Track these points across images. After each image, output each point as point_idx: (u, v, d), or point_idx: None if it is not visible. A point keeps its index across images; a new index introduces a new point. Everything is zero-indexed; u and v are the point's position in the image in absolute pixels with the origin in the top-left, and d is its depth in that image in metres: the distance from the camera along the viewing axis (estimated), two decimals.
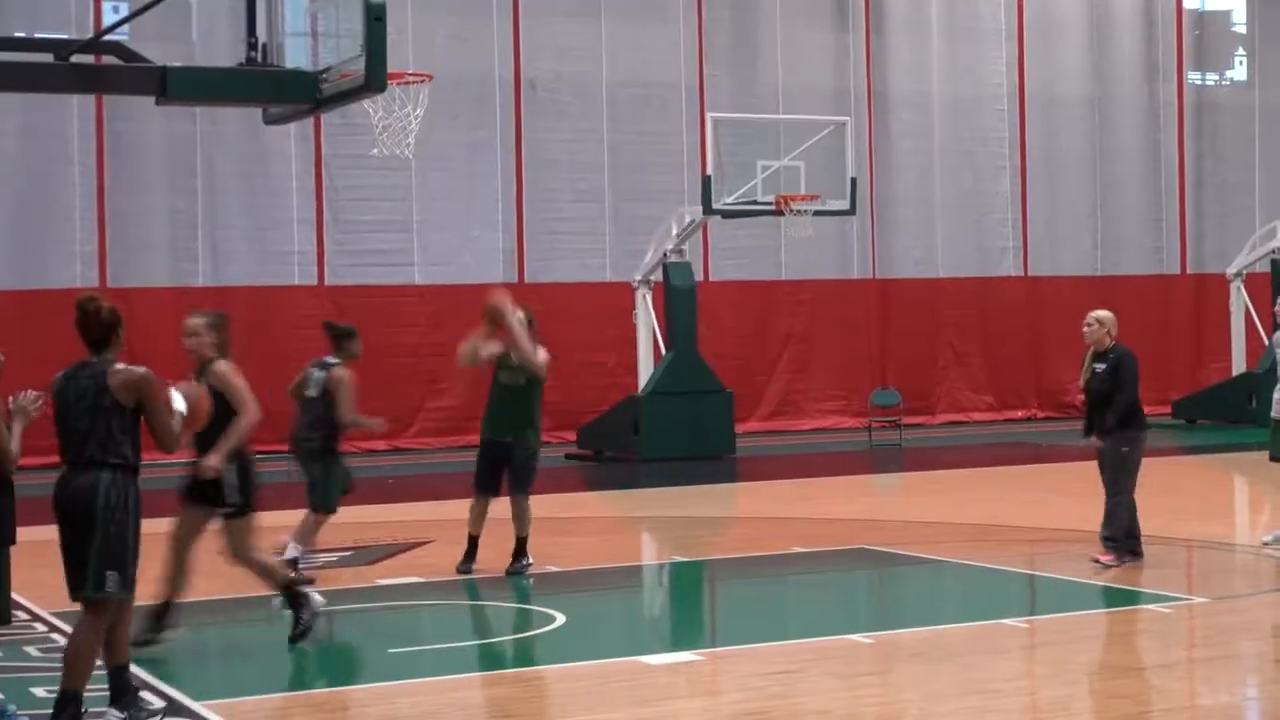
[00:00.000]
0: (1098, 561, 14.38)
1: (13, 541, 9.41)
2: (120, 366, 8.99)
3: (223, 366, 12.04)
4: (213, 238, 28.20)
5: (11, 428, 9.23)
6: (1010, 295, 33.91)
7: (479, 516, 14.73)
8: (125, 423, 8.95)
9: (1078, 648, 11.27)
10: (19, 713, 9.36)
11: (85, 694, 8.97)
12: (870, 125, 32.57)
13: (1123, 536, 14.53)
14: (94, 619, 8.91)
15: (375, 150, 20.98)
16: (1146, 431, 14.86)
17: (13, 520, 9.38)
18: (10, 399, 9.25)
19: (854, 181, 27.00)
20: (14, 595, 13.51)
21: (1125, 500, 14.54)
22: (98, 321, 9.05)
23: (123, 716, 9.25)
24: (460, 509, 15.39)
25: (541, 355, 14.74)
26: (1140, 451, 14.71)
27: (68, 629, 12.04)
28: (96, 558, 8.76)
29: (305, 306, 28.55)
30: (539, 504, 15.22)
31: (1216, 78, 36.89)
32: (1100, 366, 14.79)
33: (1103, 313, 15.03)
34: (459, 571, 14.54)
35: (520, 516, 14.69)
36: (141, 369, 9.00)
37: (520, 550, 14.74)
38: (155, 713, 9.37)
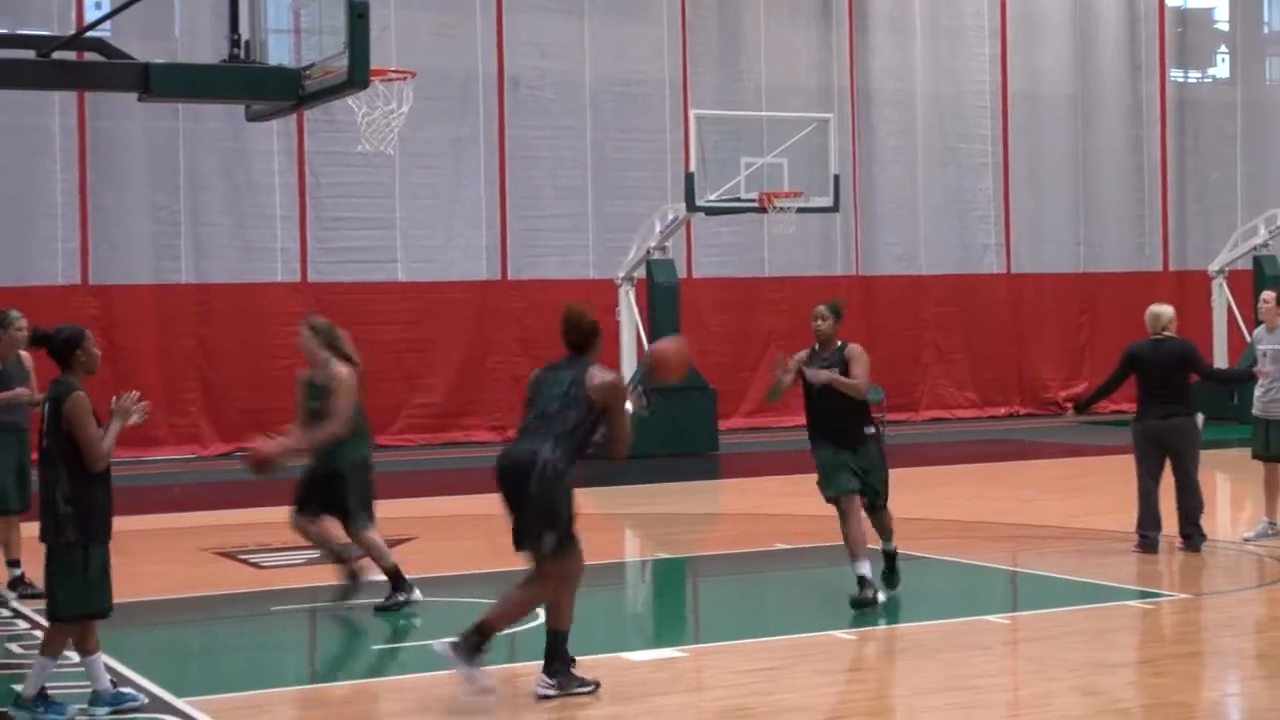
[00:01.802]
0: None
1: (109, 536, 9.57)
2: (597, 370, 10.19)
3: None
4: (195, 234, 28.14)
5: (109, 428, 9.49)
6: (993, 292, 33.95)
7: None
8: (583, 417, 10.16)
9: (1060, 644, 11.28)
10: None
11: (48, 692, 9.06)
12: (853, 122, 32.58)
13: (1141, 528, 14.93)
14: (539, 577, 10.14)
15: (359, 147, 20.98)
16: (1137, 424, 15.06)
17: (109, 516, 9.52)
18: (114, 399, 9.52)
19: (837, 179, 27.02)
20: (1, 590, 13.54)
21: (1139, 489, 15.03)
22: (579, 328, 10.33)
23: (552, 683, 9.98)
24: (443, 506, 15.37)
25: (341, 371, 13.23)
26: (1135, 441, 15.06)
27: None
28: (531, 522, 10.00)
29: (287, 303, 28.51)
30: None
31: (1199, 75, 36.95)
32: None
33: (1153, 307, 15.36)
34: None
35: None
36: (612, 375, 10.29)
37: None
38: (588, 685, 10.03)
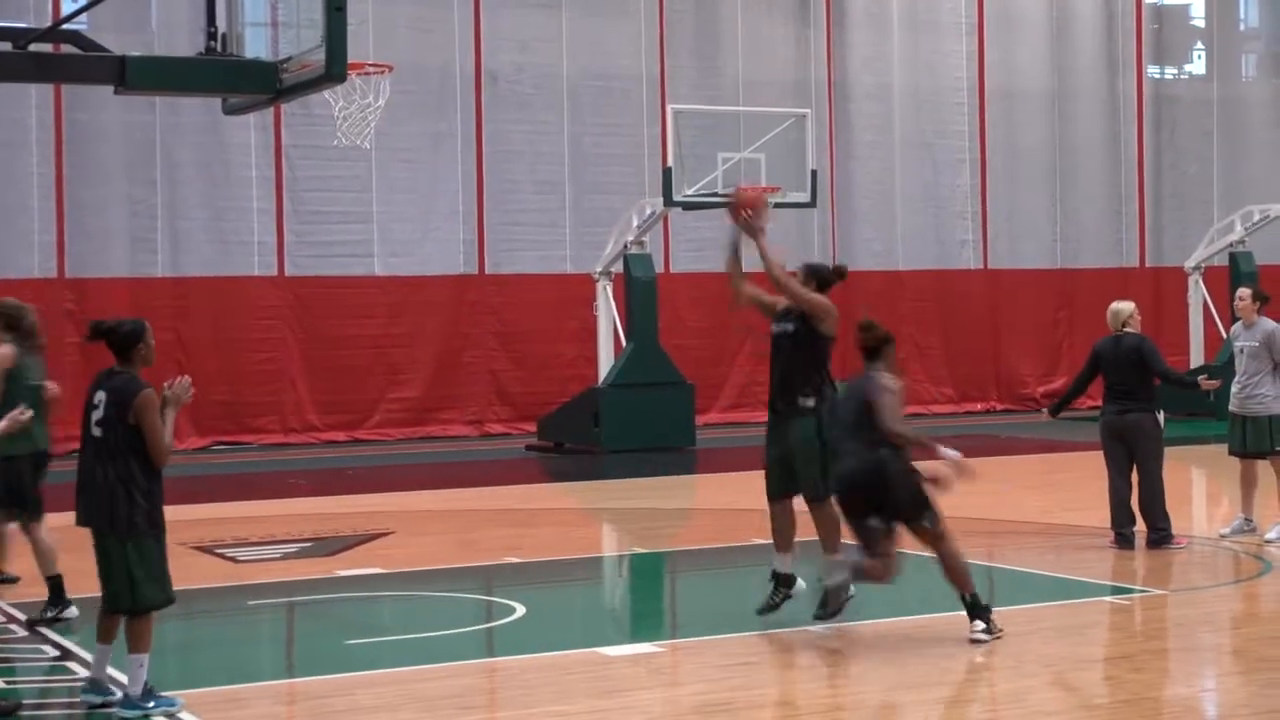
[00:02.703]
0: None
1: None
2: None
3: None
4: (172, 228, 28.09)
5: (165, 418, 9.55)
6: (970, 288, 34.00)
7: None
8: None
9: (1037, 639, 11.30)
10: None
11: None
12: (831, 118, 32.60)
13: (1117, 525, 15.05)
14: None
15: (335, 141, 20.95)
16: (1100, 420, 15.23)
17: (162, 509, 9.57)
18: (165, 386, 9.59)
19: (814, 174, 27.04)
20: None
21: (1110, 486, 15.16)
22: (874, 335, 11.81)
23: (984, 627, 11.07)
24: (420, 500, 15.36)
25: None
26: (1100, 437, 15.19)
27: (22, 618, 12.03)
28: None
29: (265, 297, 28.51)
30: (499, 495, 15.20)
31: (1175, 71, 37.04)
32: None
33: (1115, 304, 15.36)
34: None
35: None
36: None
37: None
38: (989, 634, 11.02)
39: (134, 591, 9.50)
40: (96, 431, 9.51)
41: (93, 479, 9.50)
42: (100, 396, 9.54)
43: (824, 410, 12.05)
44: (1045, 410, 15.62)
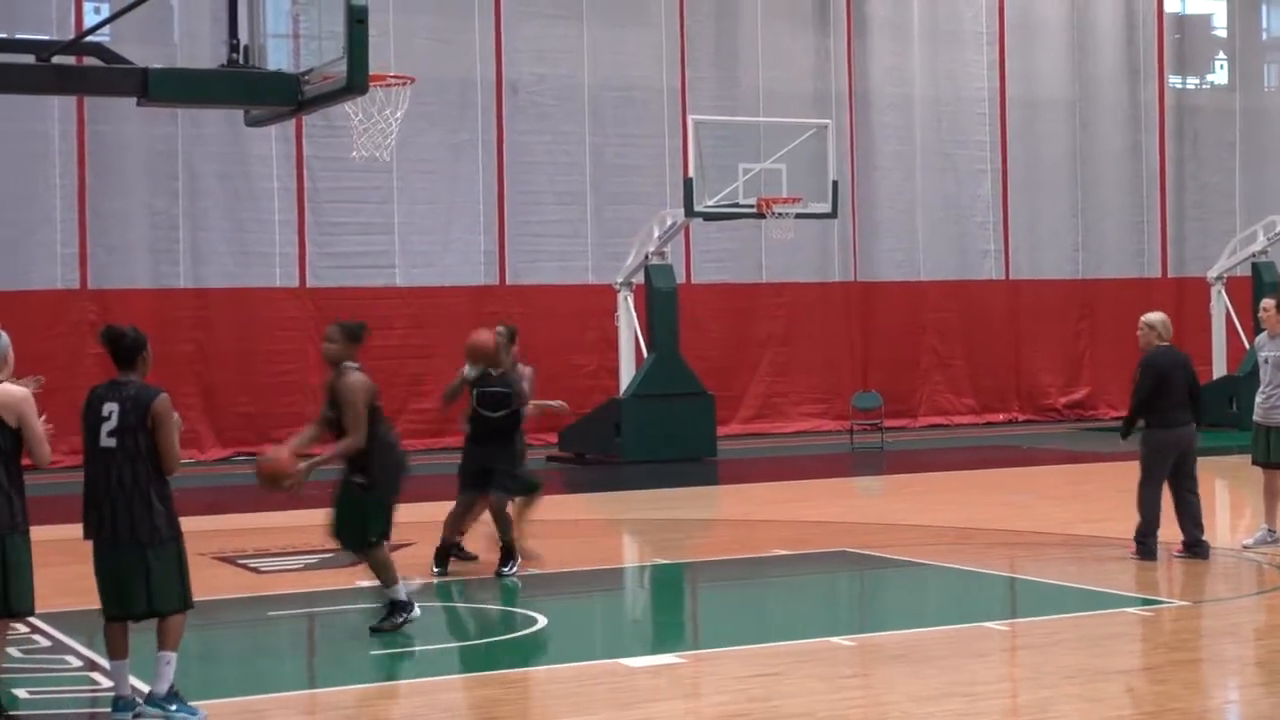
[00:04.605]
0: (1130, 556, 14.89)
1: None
2: None
3: None
4: (193, 239, 28.14)
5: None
6: (991, 298, 33.95)
7: None
8: None
9: (1058, 651, 11.28)
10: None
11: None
12: (851, 128, 32.58)
13: (1148, 533, 14.81)
14: None
15: (354, 153, 20.97)
16: (1163, 432, 14.90)
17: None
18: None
19: (835, 184, 27.02)
20: None
21: (1141, 497, 14.88)
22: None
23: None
24: (441, 511, 15.36)
25: None
26: (1151, 450, 14.91)
27: (48, 629, 12.04)
28: None
29: (286, 308, 28.55)
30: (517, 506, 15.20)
31: (1197, 81, 36.99)
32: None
33: (1150, 315, 15.18)
34: None
35: None
36: None
37: None
38: None
39: (161, 594, 9.49)
40: (109, 442, 9.47)
41: (107, 490, 9.47)
42: (111, 407, 9.49)
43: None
44: (1121, 436, 15.31)
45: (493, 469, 14.82)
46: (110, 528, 9.49)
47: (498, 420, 14.84)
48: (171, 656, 9.49)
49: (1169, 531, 15.00)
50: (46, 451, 9.44)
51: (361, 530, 12.19)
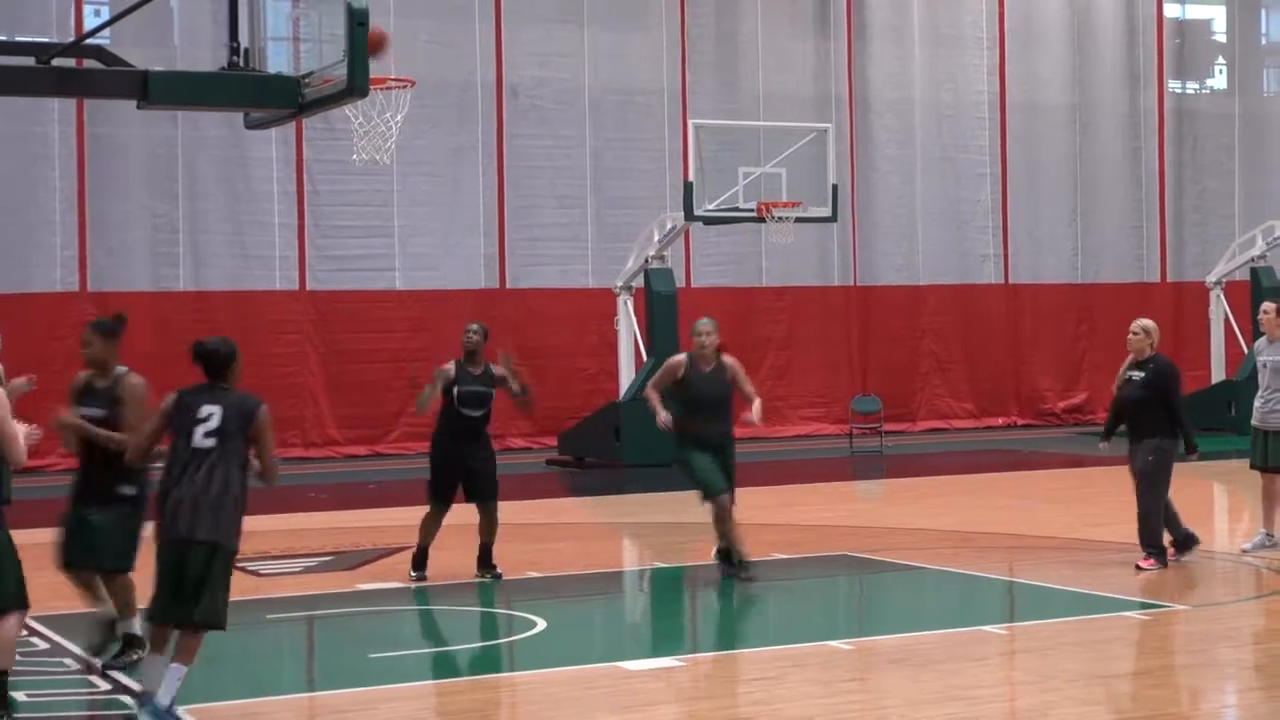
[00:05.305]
0: (1139, 567, 14.61)
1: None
2: None
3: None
4: (193, 242, 28.14)
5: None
6: (991, 302, 33.95)
7: None
8: None
9: (1058, 655, 11.28)
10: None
11: None
12: (852, 132, 32.58)
13: (1159, 542, 14.71)
14: None
15: (355, 156, 20.98)
16: (1172, 441, 14.81)
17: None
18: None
19: (835, 188, 26.99)
20: None
21: (1155, 507, 14.74)
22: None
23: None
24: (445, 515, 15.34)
25: None
26: (1168, 460, 14.79)
27: (46, 631, 12.03)
28: None
29: (286, 311, 28.56)
30: (520, 509, 15.21)
31: (1197, 86, 36.98)
32: (1137, 375, 14.74)
33: (1148, 321, 15.04)
34: None
35: None
36: None
37: None
38: None
39: (212, 604, 9.52)
40: (207, 442, 9.53)
41: (191, 489, 9.50)
42: (211, 410, 9.59)
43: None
44: (1191, 455, 15.17)
45: (475, 469, 14.78)
46: (187, 526, 9.48)
47: (478, 420, 14.89)
48: (184, 671, 9.47)
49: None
50: (19, 452, 9.30)
51: (131, 548, 10.97)
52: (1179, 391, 14.85)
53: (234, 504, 9.55)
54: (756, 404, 14.88)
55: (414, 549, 14.79)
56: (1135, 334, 15.01)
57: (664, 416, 14.79)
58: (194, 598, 9.46)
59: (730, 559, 14.62)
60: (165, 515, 9.55)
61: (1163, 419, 14.69)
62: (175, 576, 9.50)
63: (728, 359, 14.90)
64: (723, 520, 14.58)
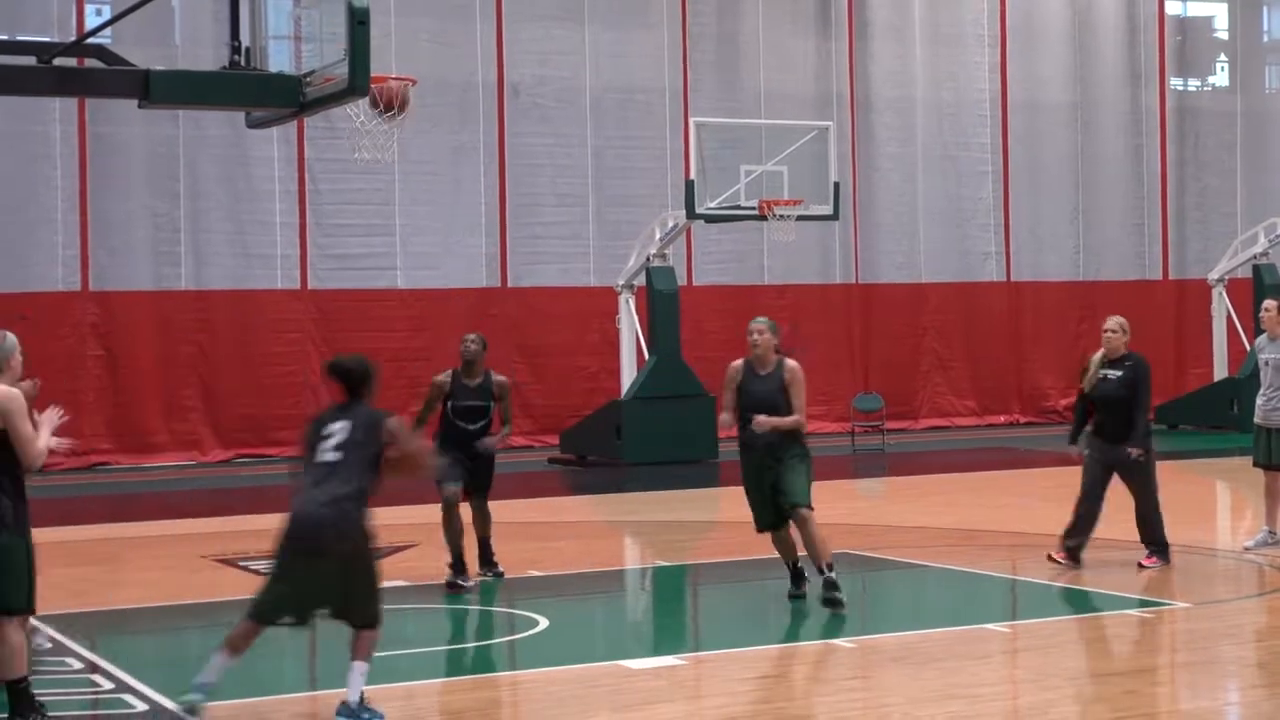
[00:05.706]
0: (1142, 565, 14.63)
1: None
2: None
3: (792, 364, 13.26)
4: (195, 241, 28.14)
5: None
6: (993, 300, 33.95)
7: None
8: None
9: (1059, 652, 11.28)
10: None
11: None
12: (853, 130, 32.58)
13: (1161, 540, 14.75)
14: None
15: (356, 155, 20.98)
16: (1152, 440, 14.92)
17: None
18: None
19: (837, 186, 27.00)
20: None
21: (1154, 506, 14.83)
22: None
23: None
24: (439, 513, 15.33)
25: None
26: (1151, 460, 14.89)
27: (50, 631, 12.03)
28: None
29: (287, 310, 28.56)
30: (521, 508, 15.20)
31: (1198, 83, 36.97)
32: (1114, 373, 14.68)
33: (1122, 318, 14.98)
34: None
35: None
36: None
37: None
38: None
39: (370, 606, 9.74)
40: (334, 456, 9.69)
41: (317, 503, 9.64)
42: (340, 424, 9.79)
43: None
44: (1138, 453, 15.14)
45: (477, 457, 14.69)
46: (313, 538, 9.62)
47: (475, 432, 14.66)
48: (365, 667, 9.61)
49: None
50: (34, 454, 9.31)
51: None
52: (1150, 389, 14.87)
53: (358, 512, 9.74)
54: (783, 421, 13.36)
55: (448, 560, 14.37)
56: (1114, 331, 14.91)
57: (724, 416, 13.93)
58: (337, 600, 9.77)
59: (798, 579, 13.58)
60: (291, 530, 9.72)
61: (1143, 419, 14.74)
62: (311, 585, 9.81)
63: (790, 363, 13.40)
64: (776, 546, 13.74)
